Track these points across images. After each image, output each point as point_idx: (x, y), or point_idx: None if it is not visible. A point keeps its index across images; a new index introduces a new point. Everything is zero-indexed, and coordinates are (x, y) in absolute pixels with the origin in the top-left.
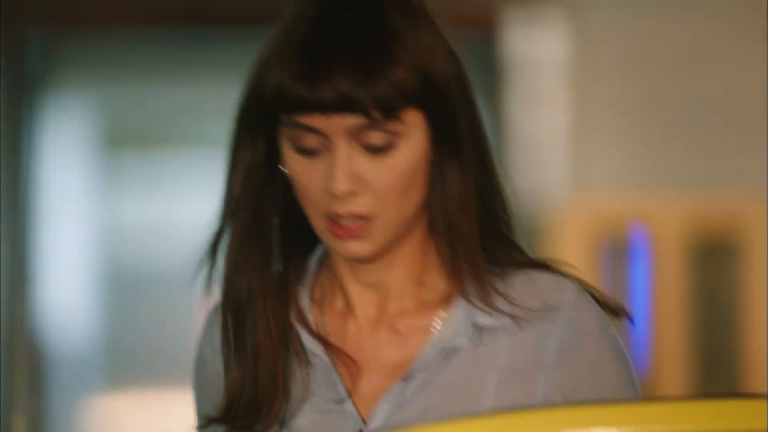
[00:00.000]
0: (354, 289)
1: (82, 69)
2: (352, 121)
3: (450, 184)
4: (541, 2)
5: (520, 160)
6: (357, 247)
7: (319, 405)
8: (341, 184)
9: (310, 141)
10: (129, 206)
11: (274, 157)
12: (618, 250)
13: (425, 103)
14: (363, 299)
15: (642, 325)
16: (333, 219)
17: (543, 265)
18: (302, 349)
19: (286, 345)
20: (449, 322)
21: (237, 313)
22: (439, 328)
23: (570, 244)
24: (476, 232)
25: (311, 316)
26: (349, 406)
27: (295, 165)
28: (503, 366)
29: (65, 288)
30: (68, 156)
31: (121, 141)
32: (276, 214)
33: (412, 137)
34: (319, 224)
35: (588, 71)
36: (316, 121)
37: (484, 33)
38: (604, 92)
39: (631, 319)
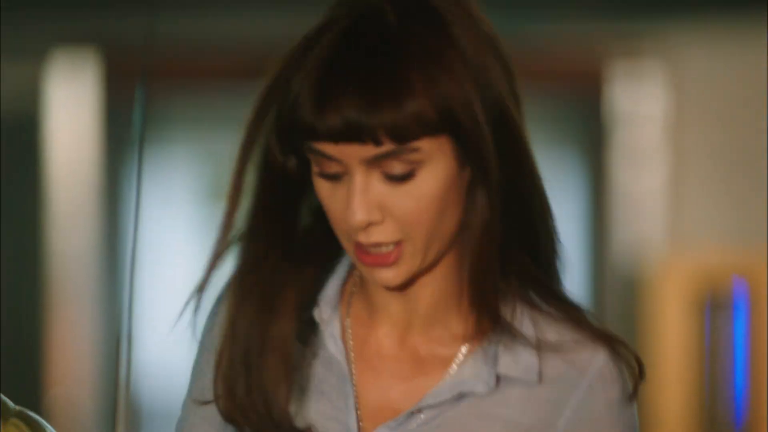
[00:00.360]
0: (381, 303)
1: (185, 122)
2: (365, 150)
3: (477, 211)
4: (641, 58)
5: (621, 215)
6: (386, 275)
7: (325, 409)
8: (357, 215)
9: (331, 167)
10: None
11: (305, 171)
12: (718, 305)
13: (448, 129)
14: (389, 316)
15: (742, 378)
16: (359, 246)
17: (581, 318)
18: (322, 347)
19: (303, 339)
20: (471, 364)
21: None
22: (459, 365)
23: (670, 299)
24: (494, 266)
25: (337, 316)
26: (353, 420)
27: (320, 188)
28: (513, 420)
29: (166, 343)
30: (171, 208)
31: (224, 193)
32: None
33: (437, 163)
34: (348, 248)
35: (687, 125)
36: (330, 149)
37: (590, 89)
38: (703, 146)
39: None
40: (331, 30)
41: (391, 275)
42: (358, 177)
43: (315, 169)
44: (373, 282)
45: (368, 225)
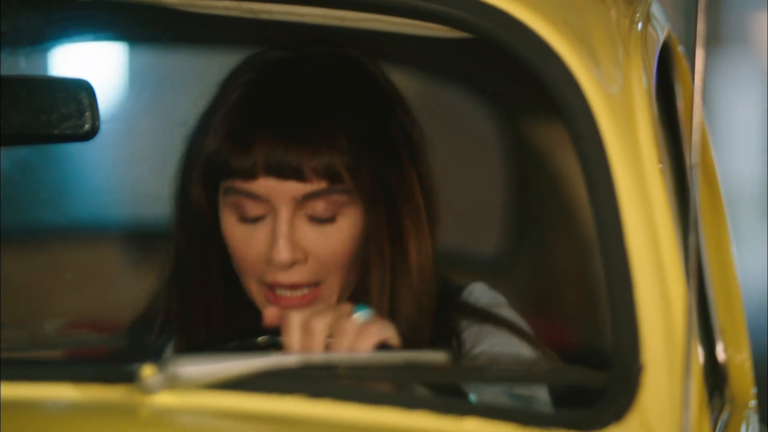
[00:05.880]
0: None
1: None
2: (298, 188)
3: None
4: None
5: None
6: None
7: None
8: (283, 254)
9: (254, 209)
10: None
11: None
12: None
13: (362, 174)
14: None
15: None
16: (272, 289)
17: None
18: None
19: None
20: None
21: None
22: None
23: None
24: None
25: None
26: None
27: (235, 233)
28: None
29: None
30: None
31: None
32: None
33: (355, 208)
34: (257, 294)
35: None
36: (262, 187)
37: None
38: None
39: None
40: (248, 73)
41: None
42: (285, 217)
43: (231, 213)
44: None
45: (292, 265)
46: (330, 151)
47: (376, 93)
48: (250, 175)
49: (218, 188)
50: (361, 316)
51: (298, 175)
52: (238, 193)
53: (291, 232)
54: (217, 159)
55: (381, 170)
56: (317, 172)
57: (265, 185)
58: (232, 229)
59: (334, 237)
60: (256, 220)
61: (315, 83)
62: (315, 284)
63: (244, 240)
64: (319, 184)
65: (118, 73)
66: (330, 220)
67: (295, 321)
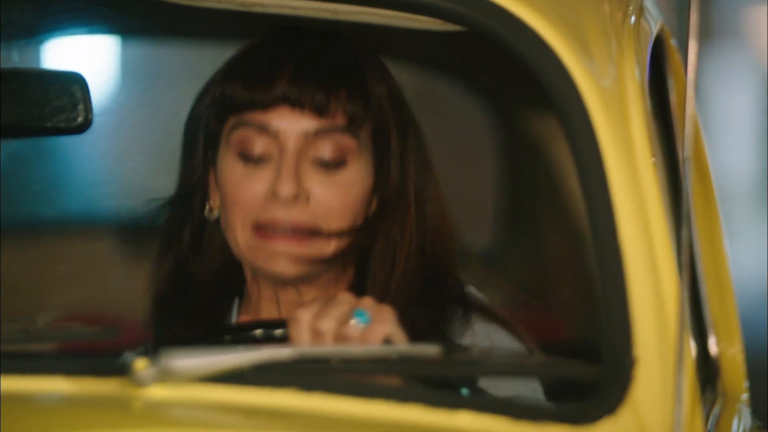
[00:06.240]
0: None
1: None
2: (311, 122)
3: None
4: None
5: None
6: (284, 263)
7: None
8: (288, 184)
9: (260, 145)
10: None
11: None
12: None
13: (385, 123)
14: None
15: None
16: (262, 229)
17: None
18: None
19: None
20: None
21: None
22: None
23: None
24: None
25: None
26: None
27: (234, 172)
28: None
29: None
30: None
31: None
32: None
33: (364, 162)
34: (244, 237)
35: None
36: (275, 117)
37: None
38: None
39: None
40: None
41: (288, 264)
42: (293, 152)
43: (234, 152)
44: (271, 271)
45: (294, 200)
46: (355, 94)
47: (387, 69)
48: (269, 104)
49: (223, 129)
50: (359, 323)
51: (318, 109)
52: (248, 125)
53: (297, 170)
54: (233, 93)
55: (397, 132)
56: (339, 108)
57: (280, 116)
58: (232, 168)
59: (339, 182)
60: (258, 160)
61: (337, 43)
62: (312, 232)
63: (243, 178)
64: (335, 121)
65: (110, 66)
66: (336, 165)
67: (304, 321)
